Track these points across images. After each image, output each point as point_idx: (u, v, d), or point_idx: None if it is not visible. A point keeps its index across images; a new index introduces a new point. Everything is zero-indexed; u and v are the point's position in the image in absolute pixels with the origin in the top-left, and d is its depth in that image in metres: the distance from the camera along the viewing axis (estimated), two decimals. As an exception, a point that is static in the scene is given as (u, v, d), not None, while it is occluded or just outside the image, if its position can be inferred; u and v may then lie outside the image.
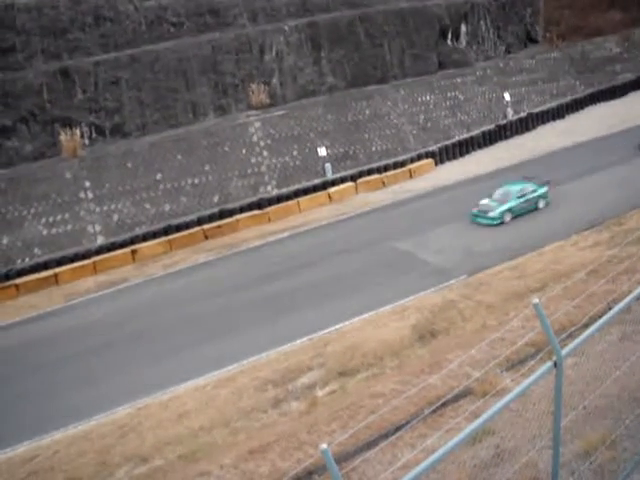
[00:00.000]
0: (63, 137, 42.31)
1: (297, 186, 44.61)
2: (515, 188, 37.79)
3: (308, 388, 23.62)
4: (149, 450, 22.19)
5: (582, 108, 58.18)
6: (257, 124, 46.40)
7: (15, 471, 22.99)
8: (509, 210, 36.79)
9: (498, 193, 37.75)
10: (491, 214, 36.53)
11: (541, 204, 37.88)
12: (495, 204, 36.95)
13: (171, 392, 25.52)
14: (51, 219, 40.11)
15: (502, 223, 36.54)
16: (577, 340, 8.91)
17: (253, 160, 45.10)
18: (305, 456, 17.03)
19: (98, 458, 22.58)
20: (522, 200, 37.21)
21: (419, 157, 48.43)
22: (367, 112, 49.19)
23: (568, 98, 57.97)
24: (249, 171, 44.69)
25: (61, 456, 23.31)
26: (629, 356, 10.55)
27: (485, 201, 37.52)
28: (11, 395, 27.33)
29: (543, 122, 55.05)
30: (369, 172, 46.63)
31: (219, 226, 41.76)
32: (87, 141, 43.29)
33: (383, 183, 45.90)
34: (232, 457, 19.56)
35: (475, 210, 37.27)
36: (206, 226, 41.65)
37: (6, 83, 42.84)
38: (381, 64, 51.88)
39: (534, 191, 37.76)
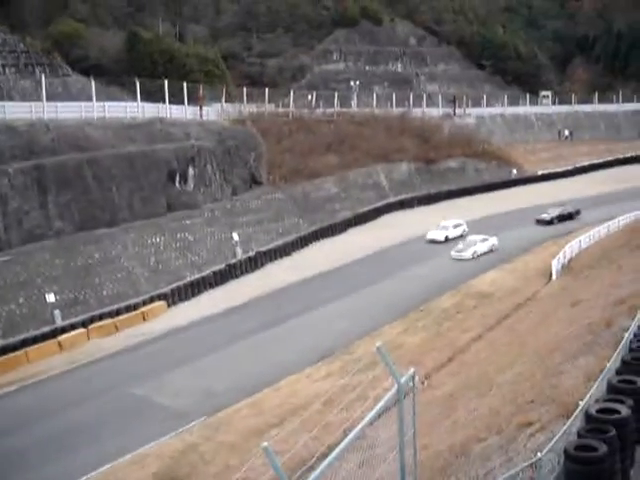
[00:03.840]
0: None
1: (24, 335, 42.01)
2: None
3: None
4: None
5: (307, 245, 61.12)
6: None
7: None
8: None
9: None
10: None
11: None
12: None
13: None
14: None
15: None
16: (315, 472, 8.96)
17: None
18: None
19: None
20: None
21: (151, 299, 47.54)
22: (97, 256, 48.07)
23: (293, 236, 60.65)
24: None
25: None
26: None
27: None
28: None
29: (271, 260, 56.91)
30: (101, 317, 44.79)
31: None
32: None
33: (116, 327, 44.35)
34: None
35: None
36: None
37: None
38: (110, 207, 51.32)
39: None
